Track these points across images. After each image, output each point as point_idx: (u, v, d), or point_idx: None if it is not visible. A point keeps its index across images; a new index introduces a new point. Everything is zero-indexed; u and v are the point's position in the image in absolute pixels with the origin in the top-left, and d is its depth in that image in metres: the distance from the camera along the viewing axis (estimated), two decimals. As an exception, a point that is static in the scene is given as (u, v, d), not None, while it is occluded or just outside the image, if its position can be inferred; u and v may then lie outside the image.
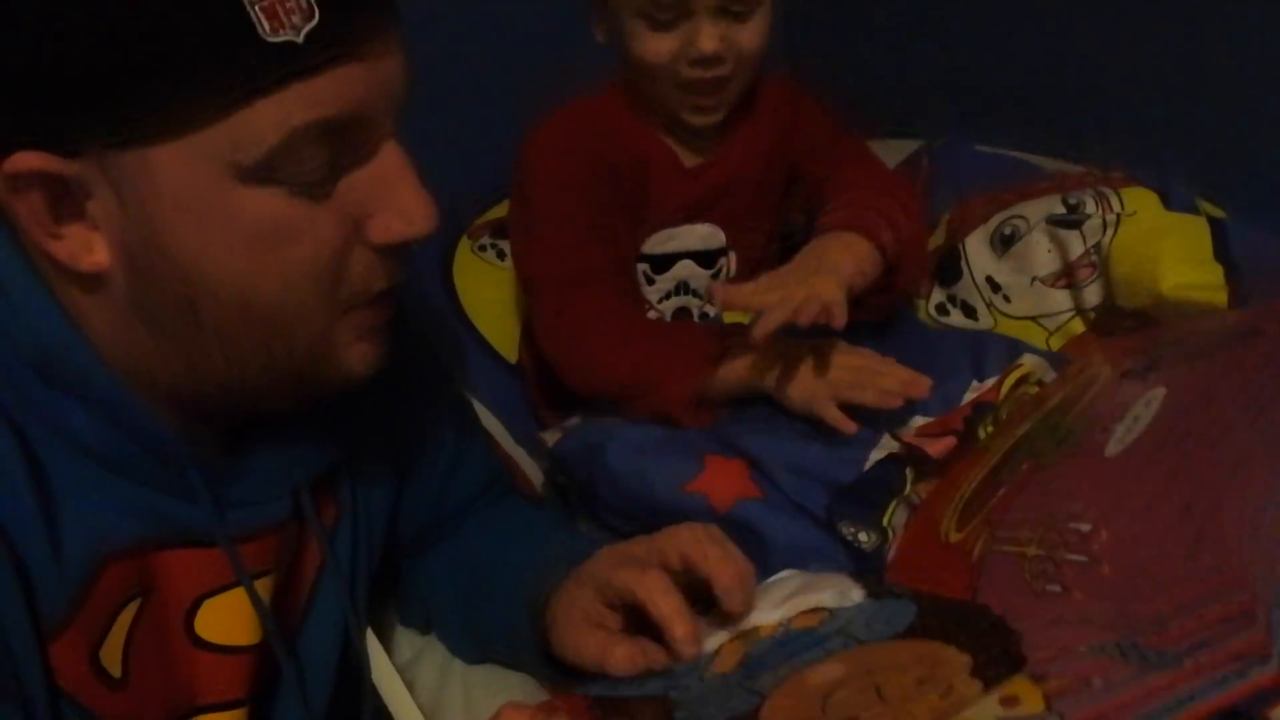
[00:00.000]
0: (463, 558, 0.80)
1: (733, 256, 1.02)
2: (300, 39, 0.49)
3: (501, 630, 0.73)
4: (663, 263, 1.01)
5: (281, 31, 0.49)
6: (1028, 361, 0.86)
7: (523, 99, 1.23)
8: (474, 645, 0.78)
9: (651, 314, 1.03)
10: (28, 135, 0.50)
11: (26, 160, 0.50)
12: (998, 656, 0.55)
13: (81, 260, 0.53)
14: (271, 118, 0.50)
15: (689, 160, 0.99)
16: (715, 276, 1.02)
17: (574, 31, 0.96)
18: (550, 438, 0.97)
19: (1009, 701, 0.50)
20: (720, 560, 0.63)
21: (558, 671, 0.69)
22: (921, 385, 0.80)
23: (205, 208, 0.52)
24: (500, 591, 0.73)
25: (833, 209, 0.91)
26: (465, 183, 1.16)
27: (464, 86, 1.37)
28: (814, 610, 0.65)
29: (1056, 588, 0.61)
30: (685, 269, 1.01)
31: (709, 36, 0.87)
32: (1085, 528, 0.63)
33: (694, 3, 0.86)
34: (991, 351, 0.88)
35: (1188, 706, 0.47)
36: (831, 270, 0.83)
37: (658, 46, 0.89)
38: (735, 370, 0.87)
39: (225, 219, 0.52)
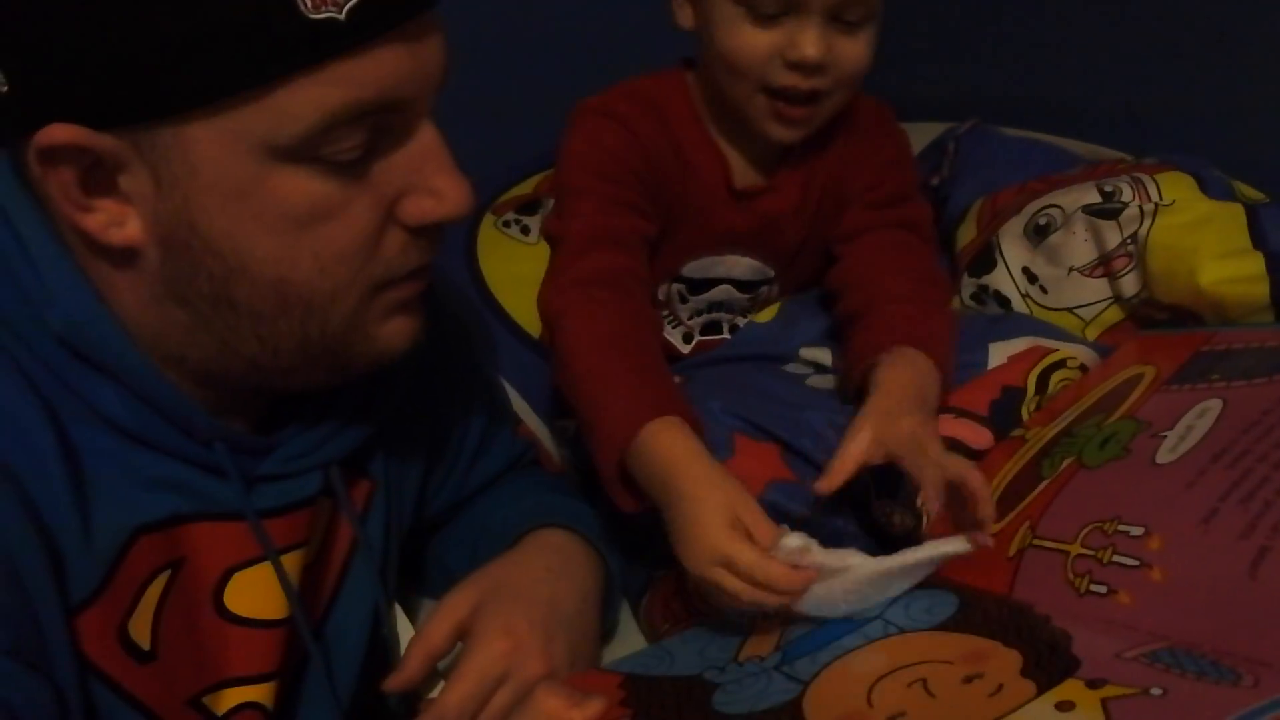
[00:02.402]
0: (474, 528, 0.81)
1: (776, 285, 0.97)
2: (342, 15, 0.49)
3: None
4: (700, 286, 0.94)
5: (324, 8, 0.48)
6: (1064, 348, 0.85)
7: (547, 75, 1.22)
8: None
9: (680, 329, 0.98)
10: (61, 108, 0.50)
11: (60, 133, 0.50)
12: (1049, 657, 0.54)
13: (112, 234, 0.53)
14: (310, 97, 0.50)
15: (741, 180, 0.89)
16: (753, 300, 0.97)
17: (602, 6, 0.93)
18: (571, 425, 0.95)
19: (1065, 706, 0.50)
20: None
21: None
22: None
23: (240, 187, 0.52)
24: (493, 542, 0.75)
25: (892, 322, 0.80)
26: (489, 159, 1.15)
27: (489, 63, 1.36)
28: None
29: (1102, 589, 0.61)
30: (723, 293, 0.95)
31: (814, 40, 0.77)
32: (1136, 531, 0.62)
33: (808, 0, 0.77)
34: (1016, 323, 0.88)
35: (1250, 723, 0.47)
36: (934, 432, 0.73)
37: (754, 41, 0.79)
38: (639, 471, 0.70)
39: (260, 199, 0.52)
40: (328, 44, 0.49)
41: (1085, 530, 0.65)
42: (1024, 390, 0.82)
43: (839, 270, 0.91)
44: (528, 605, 0.67)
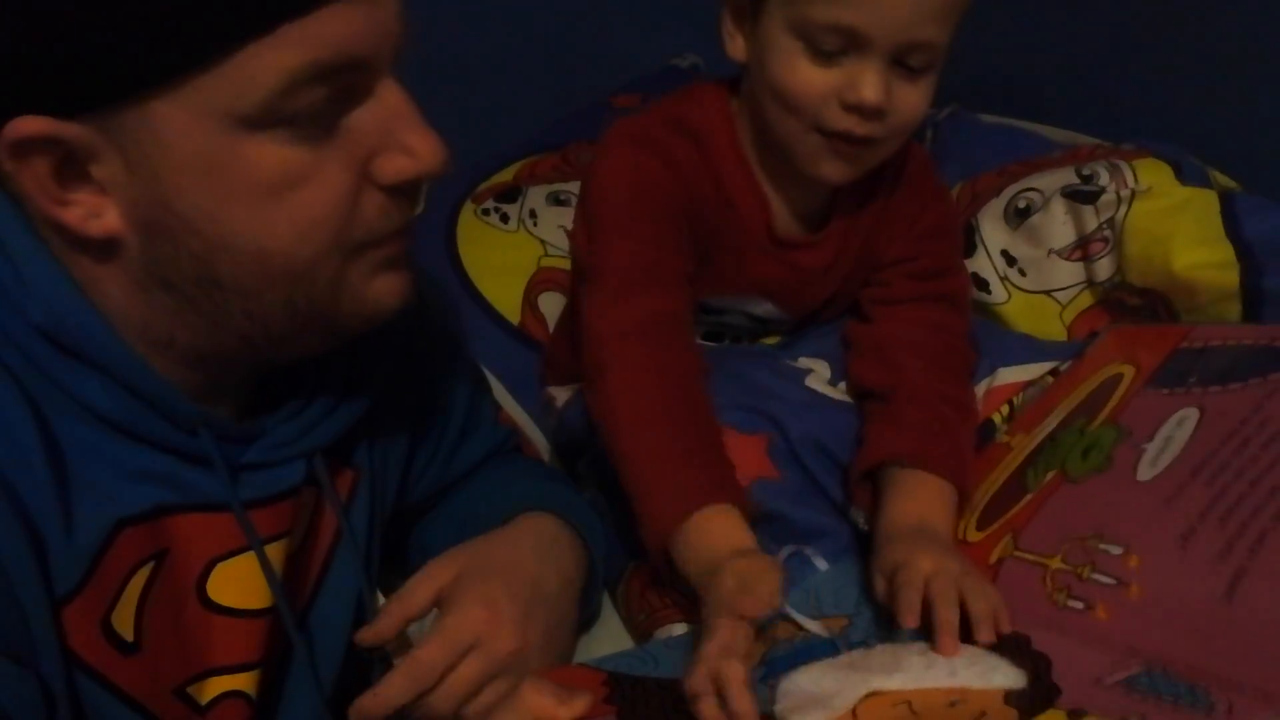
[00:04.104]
0: (460, 514, 0.80)
1: (784, 322, 0.93)
2: None
3: None
4: (716, 311, 0.91)
5: None
6: (1035, 372, 0.85)
7: (526, 64, 1.22)
8: None
9: None
10: (26, 101, 0.49)
11: (27, 125, 0.49)
12: (1031, 684, 0.55)
13: (91, 226, 0.53)
14: (268, 62, 0.50)
15: (784, 229, 0.84)
16: (764, 330, 0.94)
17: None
18: (560, 394, 0.93)
19: None
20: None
21: None
22: None
23: (211, 161, 0.51)
24: (480, 527, 0.74)
25: (910, 429, 0.77)
26: (469, 148, 1.15)
27: (468, 52, 1.36)
28: (835, 617, 0.66)
29: (1079, 604, 0.61)
30: (736, 319, 0.92)
31: (875, 84, 0.72)
32: (1115, 550, 0.63)
33: (872, 39, 0.71)
34: (1011, 347, 0.87)
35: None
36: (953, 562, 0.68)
37: (810, 78, 0.74)
38: (679, 558, 0.68)
39: (232, 171, 0.52)
40: (280, 8, 0.49)
41: (1066, 545, 0.65)
42: (991, 421, 0.83)
43: (868, 330, 0.88)
44: (509, 580, 0.67)
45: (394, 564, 0.82)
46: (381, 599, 0.74)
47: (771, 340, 0.94)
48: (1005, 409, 0.83)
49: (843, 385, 0.85)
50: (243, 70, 0.50)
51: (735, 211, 0.82)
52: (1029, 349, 0.88)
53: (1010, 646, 0.59)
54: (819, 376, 0.86)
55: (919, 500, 0.73)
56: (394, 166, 0.56)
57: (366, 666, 0.69)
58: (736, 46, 0.79)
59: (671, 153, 0.79)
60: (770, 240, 0.84)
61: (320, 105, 0.52)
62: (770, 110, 0.78)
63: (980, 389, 0.84)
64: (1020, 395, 0.83)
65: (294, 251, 0.55)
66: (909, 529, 0.70)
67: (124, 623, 0.59)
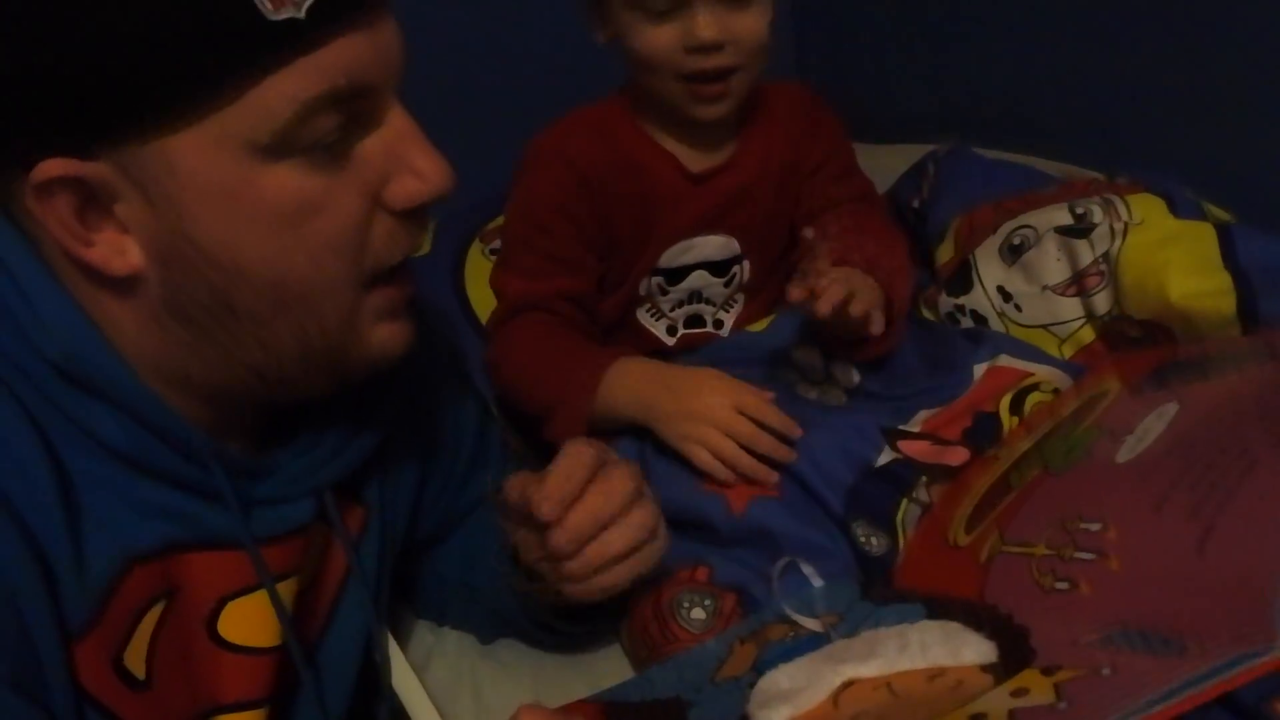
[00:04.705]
0: (470, 545, 0.82)
1: (746, 265, 1.01)
2: (302, 14, 0.51)
3: (500, 592, 0.75)
4: (676, 275, 1.00)
5: (283, 9, 0.51)
6: (1039, 371, 0.87)
7: (536, 104, 1.24)
8: (487, 620, 0.80)
9: (664, 322, 1.03)
10: (50, 144, 0.51)
11: (52, 167, 0.51)
12: (1008, 652, 0.56)
13: (115, 264, 0.55)
14: (282, 92, 0.52)
15: (696, 165, 0.97)
16: (728, 285, 1.02)
17: (587, 37, 0.96)
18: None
19: (1019, 693, 0.52)
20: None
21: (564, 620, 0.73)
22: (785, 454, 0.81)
23: (230, 192, 0.53)
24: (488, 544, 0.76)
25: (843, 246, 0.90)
26: (478, 188, 1.16)
27: (478, 92, 1.38)
28: (827, 615, 0.67)
29: (1064, 584, 0.62)
30: (699, 279, 1.00)
31: (706, 24, 0.85)
32: (1094, 526, 0.64)
33: None
34: (994, 341, 0.90)
35: (1190, 690, 0.49)
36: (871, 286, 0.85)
37: (655, 37, 0.87)
38: (620, 394, 0.86)
39: (250, 200, 0.54)
40: (292, 40, 0.52)
41: (1049, 531, 0.66)
42: (996, 415, 0.84)
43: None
44: None
45: (402, 596, 0.83)
46: (389, 637, 0.75)
47: (758, 327, 1.00)
48: (1014, 420, 0.84)
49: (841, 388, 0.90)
50: (260, 101, 0.52)
51: (651, 173, 0.95)
52: (1035, 352, 0.91)
53: (989, 621, 0.61)
54: (808, 384, 0.91)
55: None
56: (405, 190, 0.58)
57: (374, 701, 0.69)
58: (600, 33, 0.92)
59: (581, 158, 0.93)
60: (688, 180, 0.96)
61: (333, 133, 0.55)
62: (641, 75, 0.92)
63: (982, 367, 0.88)
64: (1028, 400, 0.85)
65: (310, 278, 0.56)
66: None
67: (135, 661, 0.59)
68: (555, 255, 0.93)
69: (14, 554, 0.53)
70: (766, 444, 0.81)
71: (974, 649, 0.60)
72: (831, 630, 0.65)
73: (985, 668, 0.56)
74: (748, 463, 0.80)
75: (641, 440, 0.86)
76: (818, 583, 0.74)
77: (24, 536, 0.53)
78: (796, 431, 0.81)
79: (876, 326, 0.83)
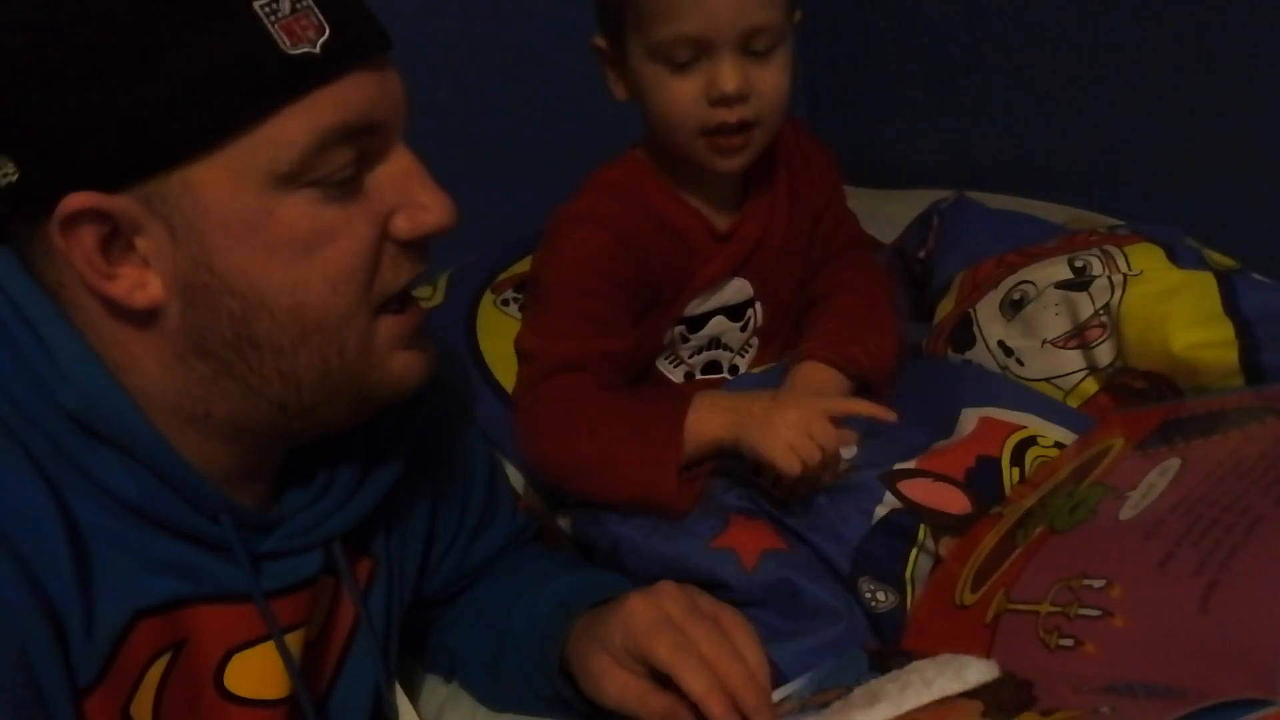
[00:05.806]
0: (485, 606, 0.82)
1: (759, 307, 1.02)
2: (317, 50, 0.55)
3: (524, 674, 0.75)
4: (697, 322, 1.00)
5: (300, 45, 0.54)
6: (1034, 425, 0.87)
7: (547, 155, 1.26)
8: (499, 692, 0.80)
9: (682, 368, 1.03)
10: (75, 176, 0.53)
11: (77, 201, 0.53)
12: (1008, 702, 0.57)
13: (137, 297, 0.56)
14: (300, 124, 0.55)
15: (721, 223, 0.97)
16: (744, 329, 1.02)
17: (602, 95, 0.97)
18: (564, 521, 0.96)
19: None
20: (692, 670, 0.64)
21: (583, 709, 0.71)
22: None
23: (251, 221, 0.56)
24: (520, 635, 0.75)
25: (816, 335, 0.95)
26: (488, 237, 1.18)
27: (487, 142, 1.41)
28: (833, 687, 0.67)
29: (1069, 642, 0.63)
30: (718, 325, 1.01)
31: (729, 75, 0.84)
32: (1099, 584, 0.65)
33: (714, 40, 0.83)
34: (992, 388, 0.92)
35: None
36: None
37: (679, 90, 0.86)
38: (706, 423, 0.85)
39: (269, 229, 0.56)
40: (309, 75, 0.55)
41: (1054, 589, 0.67)
42: (999, 460, 0.84)
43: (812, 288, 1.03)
44: None
45: (412, 652, 0.83)
46: (399, 690, 0.75)
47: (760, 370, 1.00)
48: (1015, 472, 0.84)
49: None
50: (279, 132, 0.55)
51: (683, 234, 0.95)
52: (1034, 397, 0.92)
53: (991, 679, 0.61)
54: None
55: (804, 375, 0.91)
56: (413, 222, 0.61)
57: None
58: (620, 89, 0.92)
59: (617, 222, 0.91)
60: (715, 240, 0.96)
61: (347, 168, 0.57)
62: (662, 131, 0.90)
63: (973, 415, 0.88)
64: (1029, 455, 0.85)
65: (327, 305, 0.59)
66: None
67: (142, 711, 0.60)
68: (598, 318, 0.92)
69: (26, 610, 0.54)
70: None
71: (976, 669, 0.61)
72: (836, 700, 0.65)
73: (985, 715, 0.57)
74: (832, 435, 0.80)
75: (614, 522, 0.86)
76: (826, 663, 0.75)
77: (36, 592, 0.54)
78: (890, 416, 0.83)
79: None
